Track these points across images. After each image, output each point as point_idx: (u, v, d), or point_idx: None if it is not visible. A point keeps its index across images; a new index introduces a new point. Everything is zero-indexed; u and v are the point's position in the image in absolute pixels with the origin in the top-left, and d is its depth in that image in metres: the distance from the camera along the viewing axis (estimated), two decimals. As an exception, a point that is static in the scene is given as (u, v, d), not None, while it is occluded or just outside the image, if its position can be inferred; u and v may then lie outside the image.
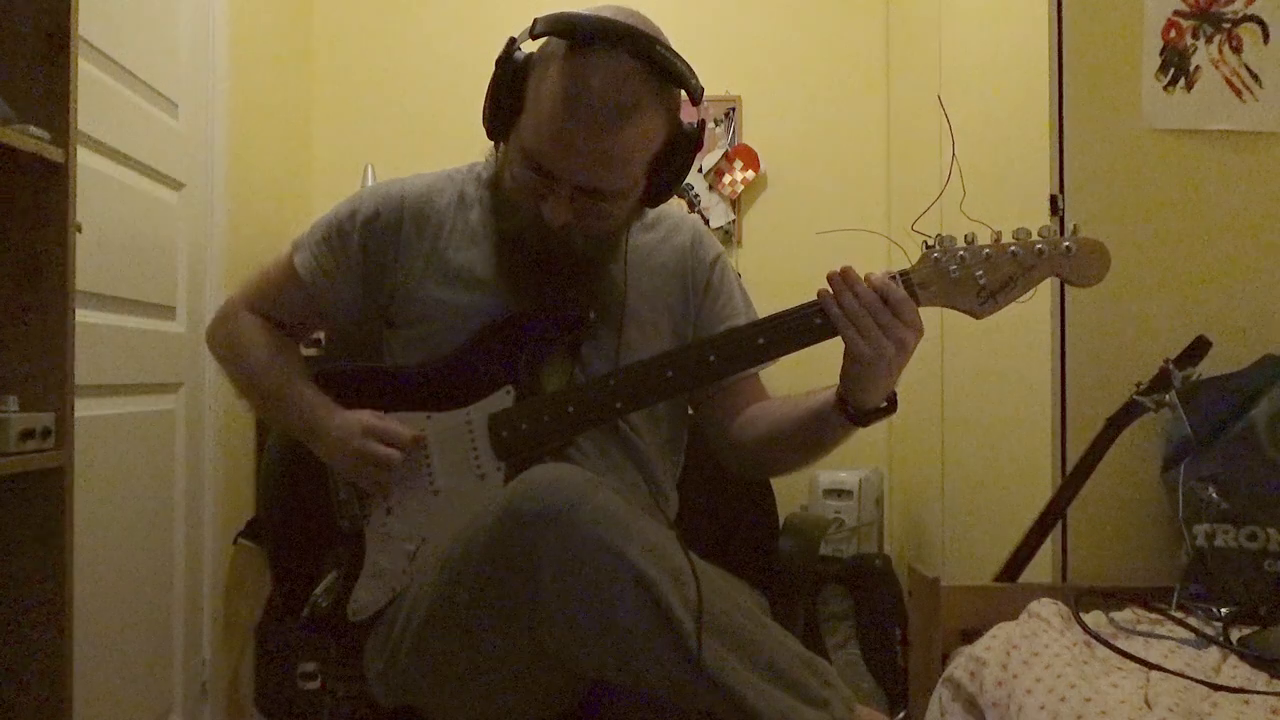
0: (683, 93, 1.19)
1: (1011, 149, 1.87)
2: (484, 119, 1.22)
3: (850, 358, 1.10)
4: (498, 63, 1.17)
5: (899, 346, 1.08)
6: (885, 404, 1.15)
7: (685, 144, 1.20)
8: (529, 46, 1.19)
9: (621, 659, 1.00)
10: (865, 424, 1.15)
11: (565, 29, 1.13)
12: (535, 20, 1.15)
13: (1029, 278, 1.10)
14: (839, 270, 1.10)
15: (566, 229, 1.18)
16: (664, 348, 1.28)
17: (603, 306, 1.26)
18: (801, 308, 1.13)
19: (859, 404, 1.13)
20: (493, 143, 1.26)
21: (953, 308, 1.12)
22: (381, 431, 1.20)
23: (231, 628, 1.91)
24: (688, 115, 1.22)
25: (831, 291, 1.10)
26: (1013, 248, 1.10)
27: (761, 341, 1.15)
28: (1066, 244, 1.10)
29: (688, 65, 1.16)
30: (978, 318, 1.12)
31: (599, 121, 1.11)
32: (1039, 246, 1.10)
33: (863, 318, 1.08)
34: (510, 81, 1.17)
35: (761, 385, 1.35)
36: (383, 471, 1.20)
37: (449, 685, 1.11)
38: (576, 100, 1.10)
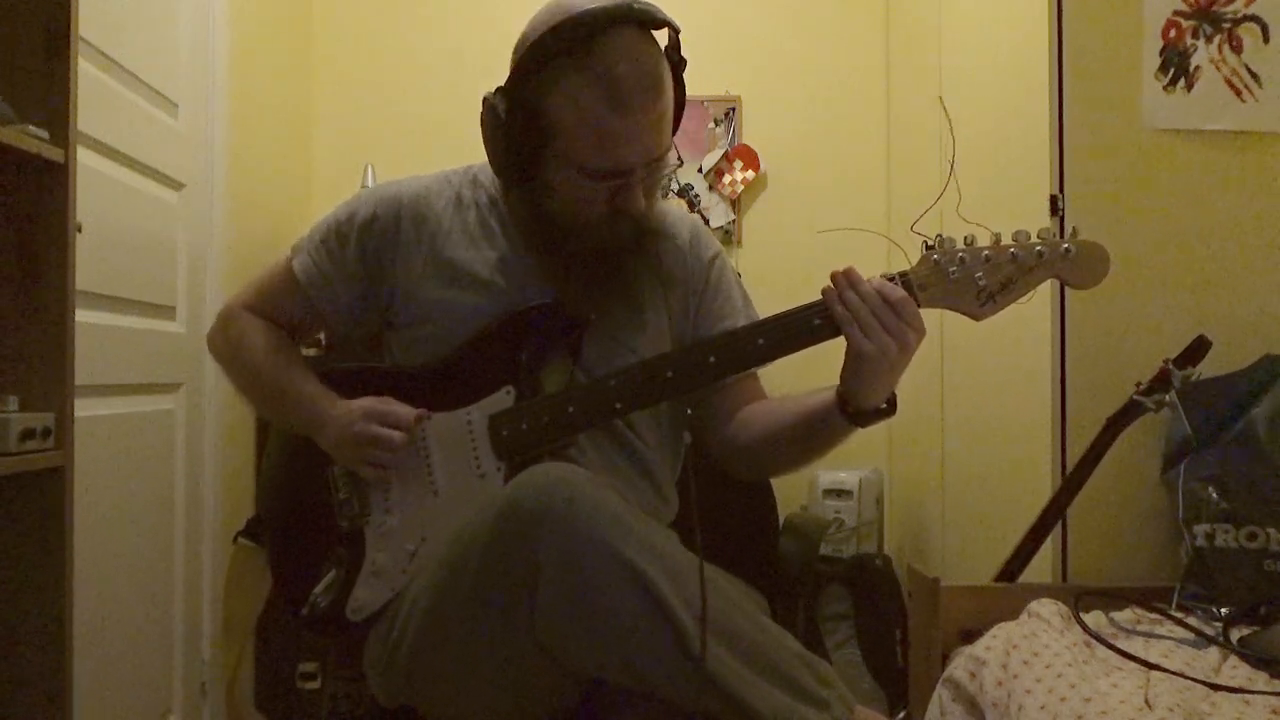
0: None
1: (1011, 149, 1.88)
2: (503, 171, 1.22)
3: (853, 356, 1.10)
4: (500, 120, 1.17)
5: (901, 345, 1.08)
6: (885, 405, 1.15)
7: (677, 66, 1.20)
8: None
9: (620, 658, 1.00)
10: (864, 424, 1.16)
11: (561, 44, 1.12)
12: (522, 60, 1.15)
13: (1028, 280, 1.11)
14: (842, 269, 1.11)
15: (644, 208, 1.19)
16: (663, 347, 1.28)
17: (603, 306, 1.25)
18: (801, 309, 1.13)
19: (859, 404, 1.13)
20: (513, 184, 1.25)
21: (952, 309, 1.12)
22: (382, 414, 1.20)
23: (231, 627, 1.91)
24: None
25: (835, 290, 1.10)
26: (1012, 249, 1.10)
27: (761, 342, 1.15)
28: (1066, 246, 1.10)
29: (652, 4, 1.17)
30: (977, 319, 1.12)
31: (645, 101, 1.13)
32: (1038, 249, 1.10)
33: (866, 315, 1.08)
34: (526, 123, 1.16)
35: (759, 385, 1.36)
36: (385, 454, 1.20)
37: (448, 684, 1.11)
38: (618, 96, 1.11)
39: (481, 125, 1.21)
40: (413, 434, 1.21)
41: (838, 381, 1.15)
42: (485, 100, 1.19)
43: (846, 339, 1.10)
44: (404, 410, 1.21)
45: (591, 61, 1.12)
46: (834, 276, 1.11)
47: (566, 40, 1.12)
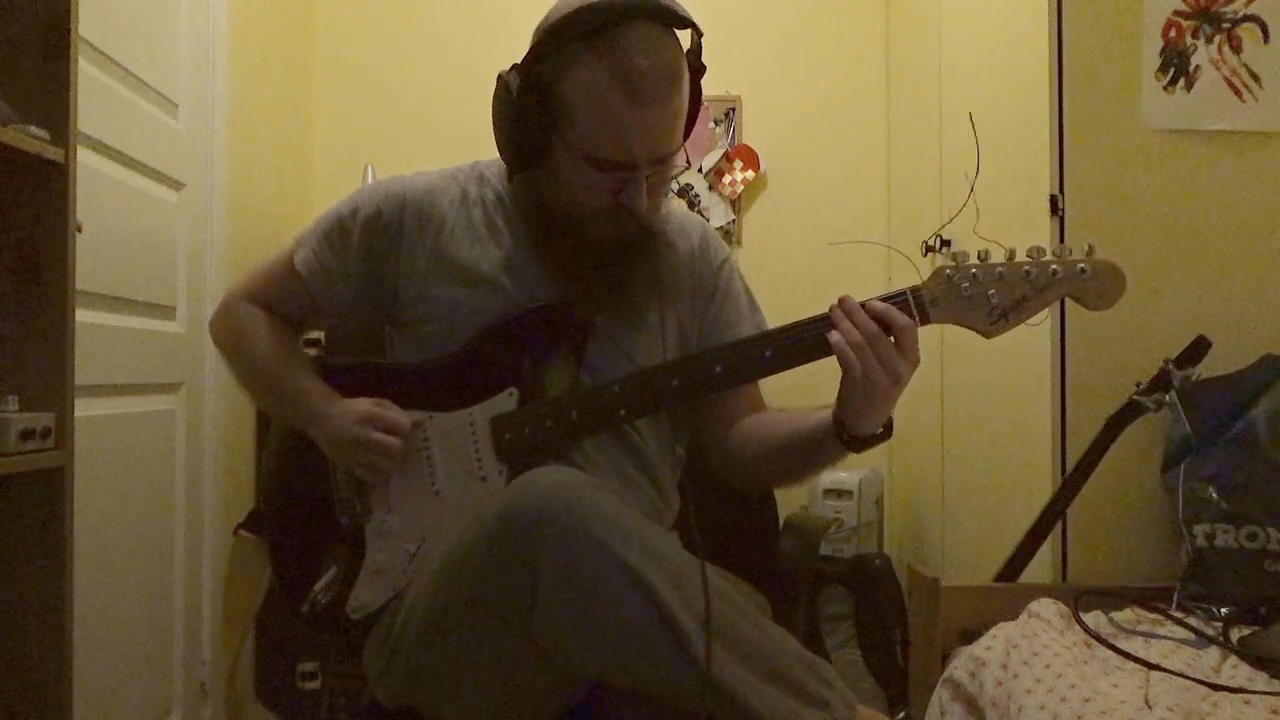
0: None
1: (1012, 149, 1.88)
2: (510, 153, 1.21)
3: (847, 385, 1.09)
4: (512, 99, 1.16)
5: (893, 378, 1.06)
6: (881, 430, 1.14)
7: (697, 73, 1.20)
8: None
9: (621, 661, 1.00)
10: (860, 450, 1.14)
11: (581, 29, 1.12)
12: (540, 40, 1.15)
13: (1042, 298, 1.09)
14: (839, 299, 1.09)
15: (647, 207, 1.19)
16: (670, 348, 1.27)
17: (608, 307, 1.25)
18: (810, 322, 1.12)
19: (854, 430, 1.12)
20: (517, 168, 1.24)
21: (963, 325, 1.11)
22: (381, 419, 1.20)
23: (231, 618, 1.91)
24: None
25: (835, 317, 1.09)
26: (1026, 267, 1.08)
27: (769, 354, 1.14)
28: (1081, 265, 1.08)
29: (678, 4, 1.16)
30: (988, 337, 1.10)
31: (660, 95, 1.12)
32: (1053, 267, 1.08)
33: (860, 347, 1.06)
34: (538, 105, 1.15)
35: (759, 395, 1.35)
36: (382, 459, 1.20)
37: (448, 685, 1.11)
38: (633, 87, 1.10)
39: (493, 104, 1.20)
40: (410, 441, 1.21)
41: (834, 402, 1.14)
42: (500, 77, 1.19)
43: (843, 368, 1.08)
44: (401, 416, 1.21)
45: (610, 49, 1.11)
46: (833, 307, 1.09)
47: (587, 26, 1.12)
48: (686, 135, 1.22)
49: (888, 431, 1.15)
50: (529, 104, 1.16)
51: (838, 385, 1.12)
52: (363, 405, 1.21)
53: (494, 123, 1.21)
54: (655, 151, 1.15)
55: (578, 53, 1.12)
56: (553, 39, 1.13)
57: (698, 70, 1.20)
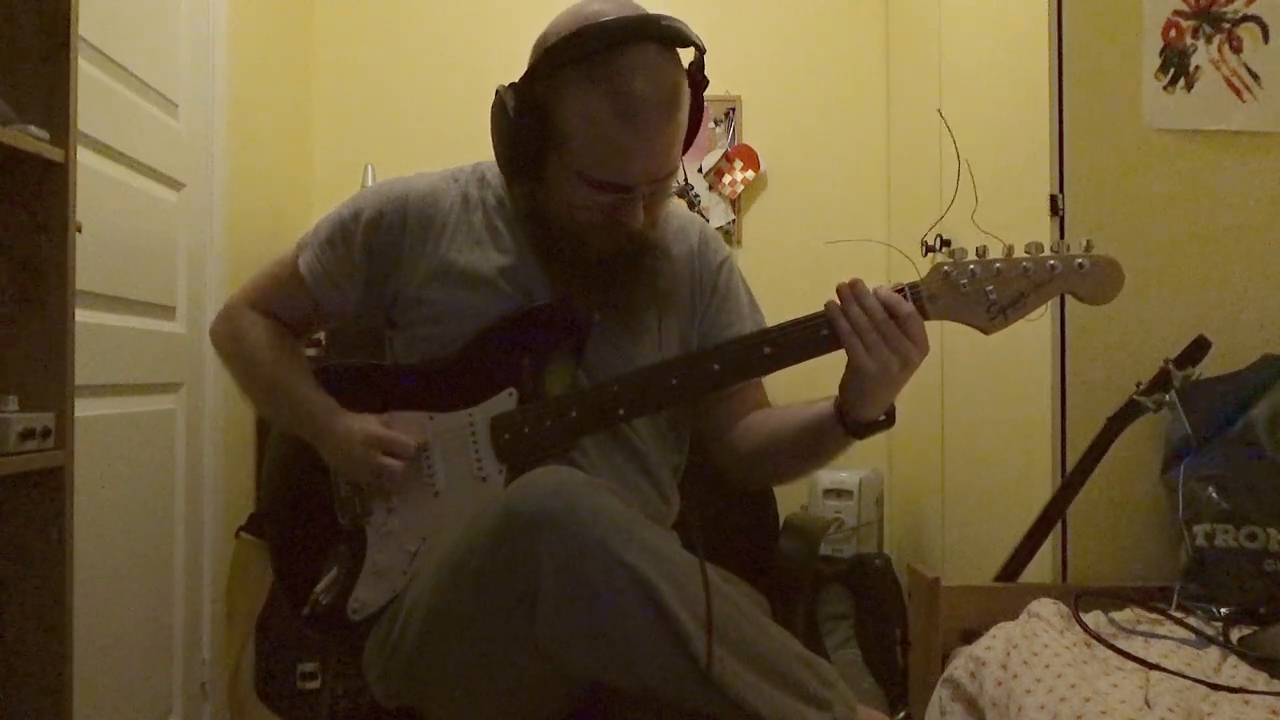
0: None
1: (1012, 149, 1.88)
2: (507, 168, 1.22)
3: (853, 371, 1.09)
4: (509, 118, 1.16)
5: (903, 362, 1.07)
6: (883, 418, 1.14)
7: (699, 86, 1.19)
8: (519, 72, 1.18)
9: (621, 662, 0.99)
10: (863, 437, 1.15)
11: (579, 52, 1.11)
12: (538, 61, 1.14)
13: (1041, 294, 1.08)
14: (849, 282, 1.09)
15: (644, 223, 1.18)
16: (667, 352, 1.28)
17: (606, 309, 1.25)
18: (808, 319, 1.12)
19: (857, 417, 1.13)
20: (515, 182, 1.25)
21: (962, 322, 1.11)
22: (384, 441, 1.20)
23: (233, 620, 1.91)
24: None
25: (839, 303, 1.09)
26: (1025, 263, 1.08)
27: (767, 351, 1.14)
28: (1079, 260, 1.08)
29: (680, 20, 1.15)
30: (987, 333, 1.10)
31: (657, 120, 1.11)
32: (1051, 263, 1.08)
33: (868, 332, 1.07)
34: (534, 126, 1.15)
35: (763, 392, 1.35)
36: (386, 481, 1.21)
37: (448, 686, 1.11)
38: (630, 111, 1.10)
39: (491, 117, 1.20)
40: (414, 462, 1.21)
41: (837, 392, 1.14)
42: (497, 93, 1.18)
43: (848, 353, 1.08)
44: (406, 439, 1.20)
45: (608, 73, 1.10)
46: (840, 289, 1.09)
47: (586, 48, 1.10)
48: (687, 147, 1.21)
49: (890, 419, 1.15)
50: (525, 124, 1.15)
51: (837, 380, 1.13)
52: (369, 426, 1.21)
53: (492, 138, 1.21)
54: (652, 173, 1.15)
55: (576, 75, 1.11)
56: (550, 60, 1.12)
57: (699, 84, 1.19)
